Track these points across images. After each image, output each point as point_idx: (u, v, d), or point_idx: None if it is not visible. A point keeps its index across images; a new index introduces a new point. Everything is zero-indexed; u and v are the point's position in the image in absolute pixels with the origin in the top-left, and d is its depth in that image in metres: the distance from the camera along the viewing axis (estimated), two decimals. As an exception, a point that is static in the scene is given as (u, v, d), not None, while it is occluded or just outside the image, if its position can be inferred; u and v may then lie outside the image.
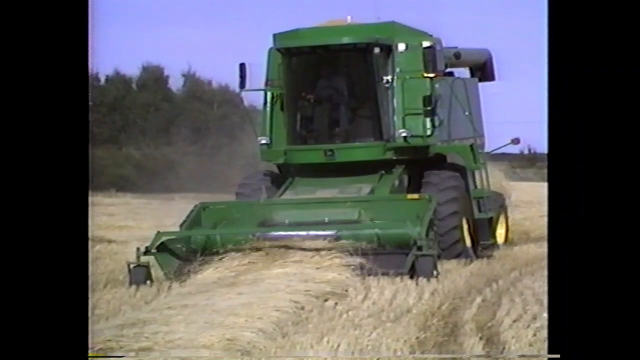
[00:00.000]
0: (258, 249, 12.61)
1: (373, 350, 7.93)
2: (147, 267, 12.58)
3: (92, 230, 19.67)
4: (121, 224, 21.11)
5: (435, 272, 11.94)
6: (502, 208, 16.24)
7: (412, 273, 11.97)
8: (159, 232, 13.31)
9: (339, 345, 8.05)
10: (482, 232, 14.78)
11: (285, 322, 9.26)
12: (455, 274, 12.98)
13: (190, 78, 45.25)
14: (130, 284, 12.26)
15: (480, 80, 17.12)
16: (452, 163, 15.06)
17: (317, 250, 12.40)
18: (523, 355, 5.44)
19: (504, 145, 15.35)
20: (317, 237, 12.70)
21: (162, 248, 13.00)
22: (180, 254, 13.04)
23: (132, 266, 12.60)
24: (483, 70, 17.12)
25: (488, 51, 17.31)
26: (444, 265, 13.18)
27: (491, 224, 15.13)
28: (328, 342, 8.24)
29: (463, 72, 16.77)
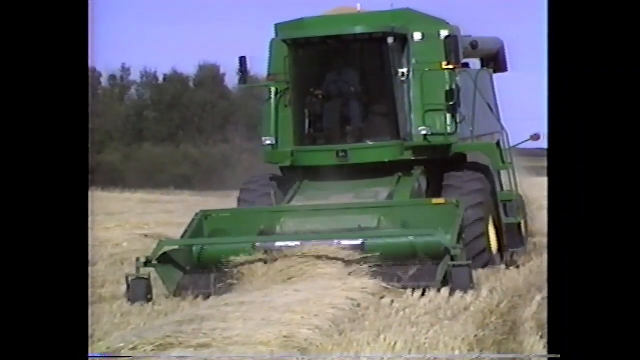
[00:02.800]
0: (271, 261, 11.34)
1: (430, 348, 7.88)
2: (147, 280, 11.32)
3: (151, 228, 19.89)
4: (179, 221, 21.25)
5: (472, 284, 10.84)
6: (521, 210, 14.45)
7: (444, 285, 10.88)
8: (161, 240, 12.24)
9: (395, 343, 8.01)
10: (511, 239, 13.60)
11: (341, 319, 9.24)
12: (514, 271, 12.85)
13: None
14: (129, 299, 11.08)
15: (493, 71, 15.79)
16: (474, 163, 13.79)
17: (339, 260, 11.20)
18: (523, 355, 5.37)
19: (523, 142, 14.04)
20: (339, 246, 11.35)
21: (165, 259, 11.63)
22: (185, 265, 11.76)
23: (130, 279, 11.29)
24: (495, 60, 15.71)
25: (500, 40, 15.99)
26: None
27: (521, 229, 13.94)
28: (385, 339, 8.20)
29: (473, 63, 15.36)
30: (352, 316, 9.53)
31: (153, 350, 7.66)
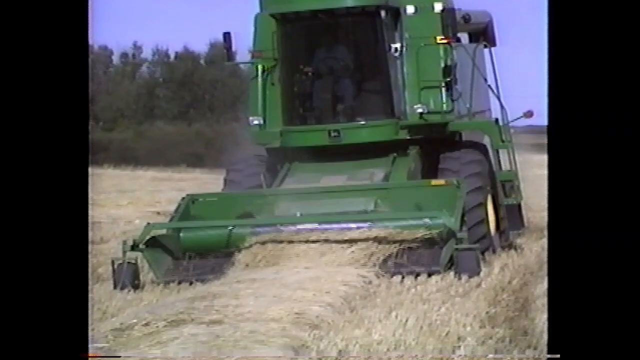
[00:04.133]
0: (273, 243, 10.89)
1: (442, 324, 7.90)
2: (134, 264, 10.84)
3: (163, 205, 19.95)
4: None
5: (479, 268, 10.44)
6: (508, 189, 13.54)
7: (449, 269, 10.42)
8: (148, 223, 11.58)
9: (407, 320, 8.02)
10: (512, 220, 13.08)
11: (353, 296, 9.26)
12: (525, 248, 12.85)
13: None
14: (115, 285, 10.58)
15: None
16: (471, 141, 13.16)
17: (339, 243, 10.75)
18: (523, 355, 5.37)
19: (516, 119, 13.28)
20: (339, 230, 10.88)
21: (152, 243, 11.08)
22: (174, 251, 11.18)
23: (117, 264, 10.75)
24: (484, 35, 14.80)
25: (489, 13, 15.24)
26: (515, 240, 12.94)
27: (521, 210, 13.47)
28: (396, 316, 8.22)
29: (461, 38, 14.13)
30: (364, 293, 9.55)
31: (165, 326, 7.70)
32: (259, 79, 13.12)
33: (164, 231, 11.45)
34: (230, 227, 11.15)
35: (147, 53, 50.16)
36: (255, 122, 13.07)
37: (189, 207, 11.73)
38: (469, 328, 7.74)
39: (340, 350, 6.91)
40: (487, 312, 8.49)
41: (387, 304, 8.91)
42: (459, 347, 6.98)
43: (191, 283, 10.50)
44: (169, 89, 46.96)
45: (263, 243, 10.88)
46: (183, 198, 11.85)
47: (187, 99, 45.48)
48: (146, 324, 7.77)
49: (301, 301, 8.60)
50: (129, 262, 10.75)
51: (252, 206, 11.68)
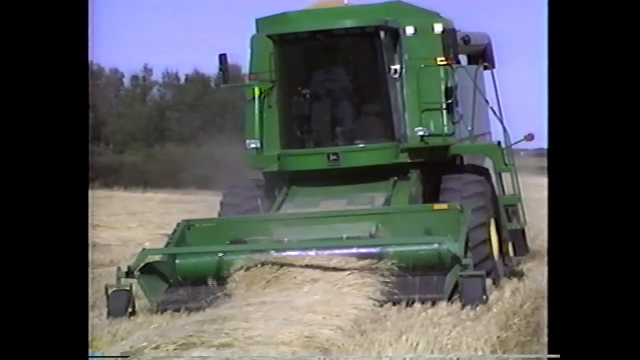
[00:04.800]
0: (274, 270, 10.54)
1: (452, 349, 7.85)
2: (129, 291, 10.57)
3: (173, 228, 19.91)
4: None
5: (485, 296, 10.05)
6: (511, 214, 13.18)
7: (453, 297, 10.10)
8: (144, 249, 11.39)
9: (417, 344, 7.98)
10: (517, 245, 12.87)
11: (363, 320, 9.22)
12: (536, 272, 12.79)
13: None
14: (109, 313, 10.34)
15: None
16: (473, 165, 12.96)
17: (338, 270, 10.40)
18: (523, 356, 5.33)
19: (517, 142, 12.84)
20: (337, 256, 10.53)
21: (147, 269, 10.82)
22: (169, 277, 10.94)
23: (110, 291, 10.50)
24: (483, 56, 14.54)
25: (487, 35, 14.94)
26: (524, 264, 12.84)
27: (524, 235, 13.09)
28: (407, 340, 8.18)
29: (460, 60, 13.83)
30: (374, 316, 9.51)
31: (175, 349, 7.67)
32: (256, 102, 12.92)
33: (159, 257, 11.18)
34: (221, 254, 10.85)
35: (157, 76, 50.39)
36: (252, 145, 12.86)
37: (184, 233, 11.48)
38: (480, 352, 7.69)
39: (350, 374, 6.86)
40: (498, 337, 8.44)
41: (397, 327, 8.87)
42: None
43: (189, 311, 10.23)
44: (179, 111, 47.07)
45: (254, 268, 10.55)
46: (178, 224, 11.59)
47: (198, 121, 45.57)
48: (156, 347, 7.75)
49: (311, 324, 8.57)
50: (123, 289, 10.52)
51: (248, 232, 11.34)
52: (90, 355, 5.22)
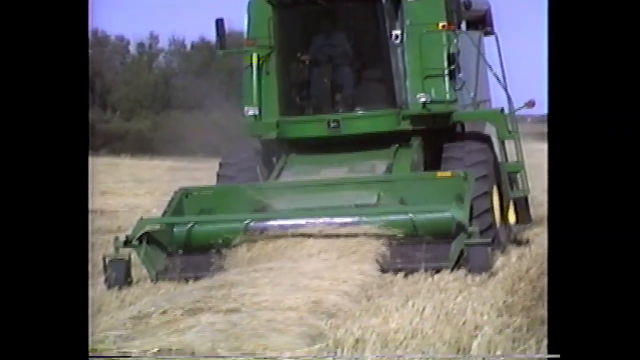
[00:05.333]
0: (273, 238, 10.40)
1: (459, 313, 7.89)
2: (127, 261, 10.40)
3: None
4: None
5: (490, 265, 9.97)
6: (514, 182, 13.09)
7: (458, 266, 9.98)
8: (142, 218, 11.14)
9: (424, 309, 8.03)
10: (519, 213, 12.76)
11: (369, 286, 9.26)
12: (542, 237, 12.81)
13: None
14: (107, 282, 10.15)
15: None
16: (475, 132, 12.69)
17: (341, 238, 10.22)
18: (523, 355, 5.36)
19: (518, 109, 12.60)
20: (341, 224, 10.37)
21: (146, 239, 10.62)
22: (168, 247, 10.74)
23: (108, 260, 10.31)
24: (483, 22, 14.18)
25: (487, 1, 14.59)
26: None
27: (528, 203, 12.94)
28: (413, 305, 8.22)
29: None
30: (380, 282, 9.55)
31: (183, 315, 7.72)
32: (254, 68, 12.63)
33: (158, 226, 10.94)
34: (224, 222, 10.69)
35: (163, 43, 50.25)
36: (251, 112, 12.57)
37: (182, 201, 11.27)
38: (486, 317, 7.73)
39: (357, 339, 6.91)
40: (504, 301, 8.48)
41: (403, 293, 8.91)
42: (476, 336, 6.97)
43: (187, 280, 10.07)
44: (185, 79, 47.02)
45: (258, 238, 10.40)
46: (176, 192, 11.37)
47: (204, 88, 45.51)
48: (164, 312, 7.80)
49: (318, 290, 8.61)
50: (120, 259, 10.34)
51: (248, 200, 11.12)
52: (91, 355, 5.10)
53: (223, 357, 6.27)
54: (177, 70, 49.14)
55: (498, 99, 13.61)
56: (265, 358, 5.70)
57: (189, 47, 49.10)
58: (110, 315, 8.38)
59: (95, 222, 13.47)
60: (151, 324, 7.54)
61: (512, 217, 12.86)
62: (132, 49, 50.93)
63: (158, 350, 6.04)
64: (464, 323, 7.50)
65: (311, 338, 6.96)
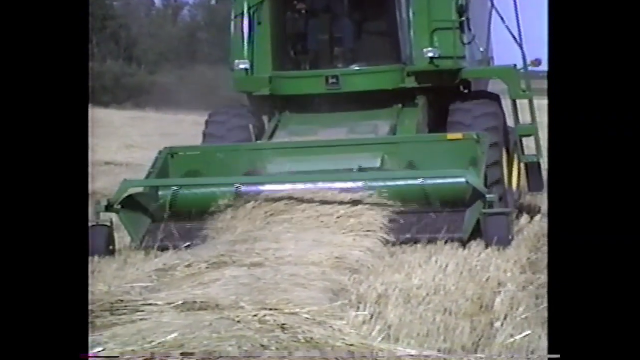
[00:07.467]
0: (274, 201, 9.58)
1: (482, 270, 7.92)
2: (109, 227, 9.51)
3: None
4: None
5: (511, 236, 9.13)
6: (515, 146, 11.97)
7: (472, 236, 9.14)
8: (125, 179, 10.18)
9: (447, 265, 8.05)
10: (531, 179, 11.81)
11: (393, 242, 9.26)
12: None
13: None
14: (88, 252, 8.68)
15: None
16: (483, 91, 11.83)
17: (345, 205, 9.41)
18: (523, 356, 5.36)
19: (523, 68, 11.55)
20: (343, 190, 9.53)
21: (129, 203, 9.74)
22: (153, 211, 9.88)
23: (89, 226, 9.18)
24: None
25: None
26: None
27: (540, 168, 11.77)
28: (436, 261, 8.25)
29: None
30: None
31: (207, 268, 7.78)
32: (245, 18, 11.53)
33: (142, 189, 10.14)
34: (213, 185, 9.82)
35: (188, -4, 50.12)
36: (242, 66, 11.43)
37: (167, 162, 10.33)
38: (509, 274, 7.75)
39: (379, 294, 6.95)
40: (528, 258, 8.49)
41: (426, 249, 8.93)
42: (499, 292, 7.00)
43: (175, 247, 9.11)
44: (209, 34, 46.91)
45: (249, 203, 9.60)
46: (160, 151, 10.45)
47: (228, 43, 45.45)
48: (188, 265, 7.86)
49: (341, 246, 8.64)
50: (102, 225, 9.44)
51: (238, 161, 10.24)
52: (90, 355, 5.04)
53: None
54: (201, 24, 49.02)
55: (503, 56, 12.79)
56: (287, 312, 5.74)
57: (213, 0, 48.96)
58: (136, 267, 8.45)
59: (120, 176, 13.52)
60: (176, 276, 7.60)
61: (523, 183, 12.18)
62: (157, 1, 50.87)
63: (182, 303, 6.08)
64: (487, 279, 7.52)
65: (334, 292, 7.00)
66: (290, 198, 9.52)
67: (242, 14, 11.54)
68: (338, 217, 9.28)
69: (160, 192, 9.99)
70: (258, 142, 10.92)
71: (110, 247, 9.44)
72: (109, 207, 9.60)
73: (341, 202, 9.43)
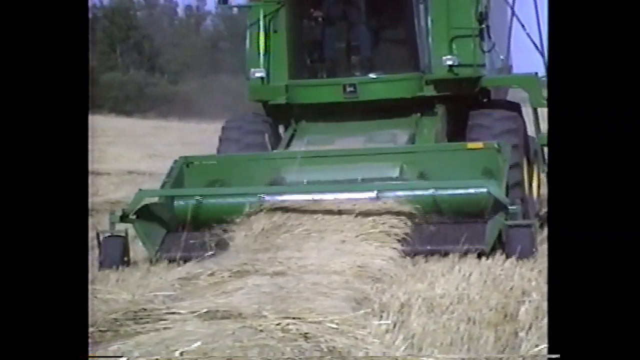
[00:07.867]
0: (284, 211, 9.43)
1: (506, 279, 7.88)
2: (124, 238, 9.35)
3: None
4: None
5: (535, 249, 8.81)
6: (535, 155, 11.78)
7: (494, 249, 8.94)
8: (140, 190, 9.94)
9: (470, 274, 8.02)
10: None
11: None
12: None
13: None
14: (101, 263, 9.06)
15: None
16: (503, 100, 11.69)
17: (362, 215, 9.27)
18: (523, 356, 5.32)
19: (544, 76, 11.01)
20: (361, 200, 9.35)
21: (144, 213, 9.55)
22: (169, 222, 9.70)
23: (103, 237, 9.23)
24: None
25: None
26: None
27: None
28: (459, 270, 8.22)
29: None
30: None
31: (230, 276, 7.79)
32: (261, 25, 11.38)
33: (157, 199, 9.95)
34: (230, 196, 9.70)
35: (210, 5, 50.39)
36: (258, 74, 11.34)
37: (182, 171, 10.20)
38: (533, 283, 7.71)
39: (402, 304, 6.93)
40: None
41: (450, 258, 8.90)
42: (524, 301, 6.96)
43: (196, 258, 8.89)
44: (232, 43, 47.11)
45: (269, 213, 9.42)
46: (176, 160, 10.30)
47: (243, 52, 45.61)
48: (211, 274, 7.87)
49: (364, 254, 8.62)
50: (117, 236, 9.31)
51: (258, 171, 10.10)
52: (90, 355, 5.01)
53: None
54: (224, 34, 49.19)
55: (522, 64, 12.60)
56: (310, 322, 5.73)
57: (235, 10, 49.18)
58: (159, 276, 8.47)
59: (143, 185, 13.57)
60: (199, 285, 7.60)
61: (543, 192, 11.90)
62: (180, 11, 51.10)
63: (206, 312, 6.09)
64: (511, 289, 7.48)
65: (356, 302, 6.98)
66: (312, 207, 9.42)
67: (258, 21, 11.46)
68: (360, 226, 9.19)
69: (176, 203, 9.84)
70: (275, 151, 10.81)
71: (125, 258, 9.30)
72: (123, 218, 9.43)
73: (364, 212, 9.35)
